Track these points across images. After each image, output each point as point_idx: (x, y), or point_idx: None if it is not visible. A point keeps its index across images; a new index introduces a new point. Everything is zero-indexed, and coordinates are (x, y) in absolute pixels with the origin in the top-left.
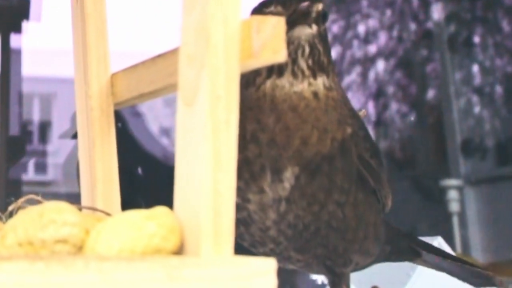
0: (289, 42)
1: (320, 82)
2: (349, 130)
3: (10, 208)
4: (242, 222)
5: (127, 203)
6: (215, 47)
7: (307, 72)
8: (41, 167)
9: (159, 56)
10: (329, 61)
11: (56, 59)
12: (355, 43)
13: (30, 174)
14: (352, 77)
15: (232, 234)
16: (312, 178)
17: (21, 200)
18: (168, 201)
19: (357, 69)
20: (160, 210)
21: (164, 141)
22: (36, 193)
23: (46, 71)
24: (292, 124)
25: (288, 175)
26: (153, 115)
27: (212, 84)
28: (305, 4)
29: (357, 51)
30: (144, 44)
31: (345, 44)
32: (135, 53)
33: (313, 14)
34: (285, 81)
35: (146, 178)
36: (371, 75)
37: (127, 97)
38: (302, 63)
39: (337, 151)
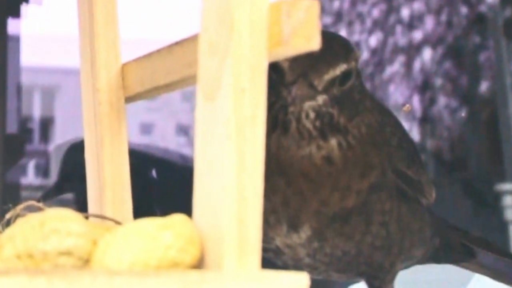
0: (290, 103)
1: (334, 143)
2: (377, 172)
3: (8, 216)
4: (272, 251)
5: (140, 210)
6: (240, 33)
7: (314, 132)
8: (42, 170)
9: (176, 43)
10: (350, 115)
11: (59, 47)
12: (398, 29)
13: (30, 177)
14: (394, 67)
15: (260, 245)
16: (345, 222)
17: (19, 207)
18: (186, 208)
19: (401, 59)
20: (177, 218)
21: (182, 140)
22: (37, 199)
23: (48, 60)
24: (306, 189)
25: (309, 231)
26: (169, 110)
27: (236, 75)
28: (295, 92)
29: (400, 38)
30: (159, 31)
31: (387, 30)
32: (149, 40)
33: (319, 88)
34: (290, 140)
35: (161, 182)
36: (417, 65)
37: (140, 90)
38: (308, 124)
39: (370, 193)
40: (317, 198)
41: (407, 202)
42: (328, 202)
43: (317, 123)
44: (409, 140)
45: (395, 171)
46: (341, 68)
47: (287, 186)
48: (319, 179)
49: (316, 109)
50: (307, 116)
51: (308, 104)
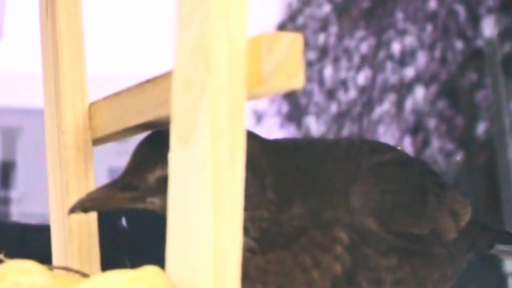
0: None
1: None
2: (344, 240)
3: None
4: None
5: (109, 261)
6: (217, 70)
7: None
8: (2, 218)
9: (148, 81)
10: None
11: (21, 85)
12: (389, 65)
13: None
14: (384, 107)
15: None
16: (352, 284)
17: None
18: (159, 260)
19: (391, 97)
20: (149, 271)
21: None
22: None
23: (9, 99)
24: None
25: None
26: None
27: (213, 115)
28: None
29: (390, 75)
30: (129, 67)
31: (376, 66)
32: (118, 78)
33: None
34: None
35: (132, 231)
36: (408, 104)
37: (109, 132)
38: None
39: (354, 253)
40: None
41: (420, 255)
42: (312, 282)
43: None
44: (419, 184)
45: (397, 234)
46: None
47: None
48: (274, 270)
49: None
50: None
51: None
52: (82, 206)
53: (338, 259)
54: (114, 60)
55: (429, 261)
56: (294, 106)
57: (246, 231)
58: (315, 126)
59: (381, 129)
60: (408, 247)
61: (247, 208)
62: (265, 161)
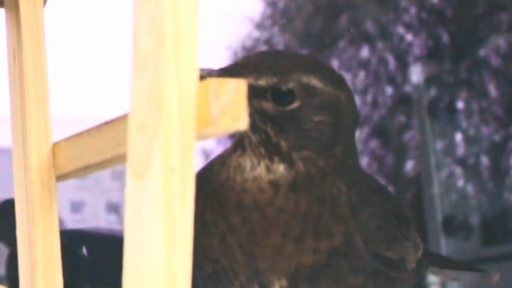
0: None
1: (281, 171)
2: (338, 239)
3: None
4: None
5: (71, 287)
6: (169, 113)
7: (262, 149)
8: None
9: (106, 123)
10: (295, 144)
11: None
12: None
13: None
14: None
15: None
16: (311, 284)
17: None
18: (116, 286)
19: None
20: None
21: (112, 217)
22: None
23: None
24: (258, 228)
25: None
26: (100, 189)
27: (165, 154)
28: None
29: None
30: (89, 110)
31: None
32: (79, 120)
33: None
34: (247, 159)
35: (92, 259)
36: None
37: (71, 169)
38: (253, 138)
39: (332, 257)
40: (270, 244)
41: (385, 278)
42: (282, 250)
43: (257, 137)
44: (395, 214)
45: (373, 254)
46: (268, 80)
47: (243, 224)
48: (270, 213)
49: (251, 117)
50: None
51: None
52: None
53: (317, 252)
54: (76, 104)
55: (390, 285)
56: None
57: (291, 164)
58: None
59: None
60: (378, 269)
61: (309, 147)
62: (350, 120)
